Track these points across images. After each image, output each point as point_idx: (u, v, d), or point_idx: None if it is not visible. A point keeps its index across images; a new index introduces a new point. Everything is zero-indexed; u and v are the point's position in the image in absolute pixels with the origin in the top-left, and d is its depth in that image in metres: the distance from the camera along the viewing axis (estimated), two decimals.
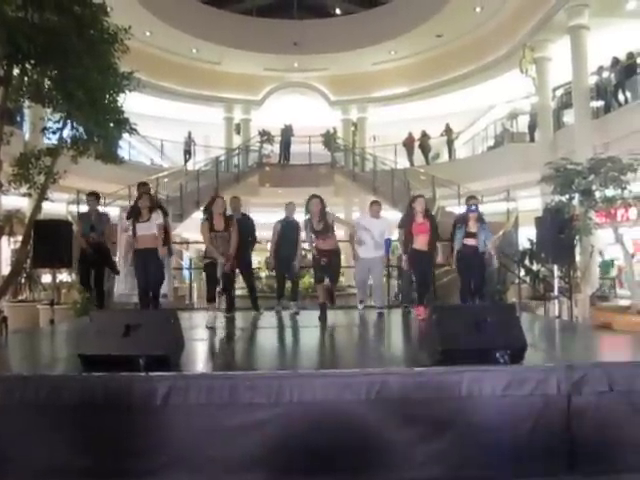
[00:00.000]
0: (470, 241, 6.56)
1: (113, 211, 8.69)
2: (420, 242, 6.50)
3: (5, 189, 7.09)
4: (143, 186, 7.13)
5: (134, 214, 6.18)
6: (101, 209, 7.51)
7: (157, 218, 6.14)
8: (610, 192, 6.93)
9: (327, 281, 6.50)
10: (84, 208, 7.46)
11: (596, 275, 11.11)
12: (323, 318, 6.22)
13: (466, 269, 6.61)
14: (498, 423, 3.24)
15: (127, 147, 16.01)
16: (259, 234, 7.62)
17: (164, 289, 7.80)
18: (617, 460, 3.23)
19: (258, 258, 16.85)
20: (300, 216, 7.22)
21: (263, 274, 13.63)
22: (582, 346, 4.96)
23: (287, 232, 7.12)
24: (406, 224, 6.66)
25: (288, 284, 7.42)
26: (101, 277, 7.00)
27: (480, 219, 6.63)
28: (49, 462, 3.10)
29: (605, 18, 12.54)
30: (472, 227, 6.58)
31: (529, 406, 3.23)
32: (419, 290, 6.74)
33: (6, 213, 9.68)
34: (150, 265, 6.13)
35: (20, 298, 10.32)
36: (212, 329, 5.66)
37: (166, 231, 6.36)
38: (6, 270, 9.07)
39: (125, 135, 8.14)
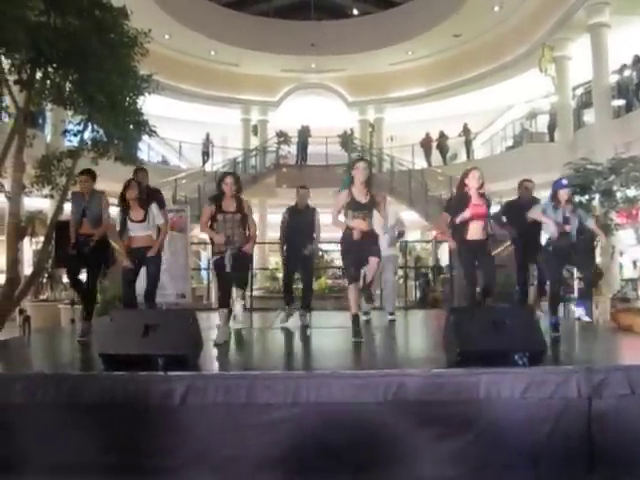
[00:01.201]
0: (565, 228, 4.94)
1: None
2: (475, 230, 4.89)
3: (28, 190, 7.20)
4: (140, 171, 5.83)
5: (123, 208, 5.02)
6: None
7: (155, 218, 5.06)
8: (631, 192, 6.85)
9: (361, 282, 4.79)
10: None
11: (617, 277, 10.95)
12: (357, 334, 4.65)
13: (559, 265, 5.08)
14: (517, 426, 3.21)
15: (146, 149, 16.17)
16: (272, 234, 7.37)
17: (182, 289, 7.90)
18: (638, 464, 3.18)
19: (276, 259, 16.91)
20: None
21: (280, 275, 13.69)
22: (603, 348, 4.88)
23: (297, 223, 5.93)
24: (458, 207, 4.96)
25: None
26: (94, 278, 5.29)
27: (571, 199, 5.11)
28: (69, 460, 3.14)
29: (626, 16, 12.39)
30: (566, 210, 4.96)
31: (548, 409, 3.19)
32: (484, 294, 5.01)
33: (28, 214, 9.83)
34: (148, 266, 5.04)
35: (42, 298, 10.51)
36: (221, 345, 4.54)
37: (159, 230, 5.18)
38: (28, 270, 9.23)
39: (144, 137, 8.25)
